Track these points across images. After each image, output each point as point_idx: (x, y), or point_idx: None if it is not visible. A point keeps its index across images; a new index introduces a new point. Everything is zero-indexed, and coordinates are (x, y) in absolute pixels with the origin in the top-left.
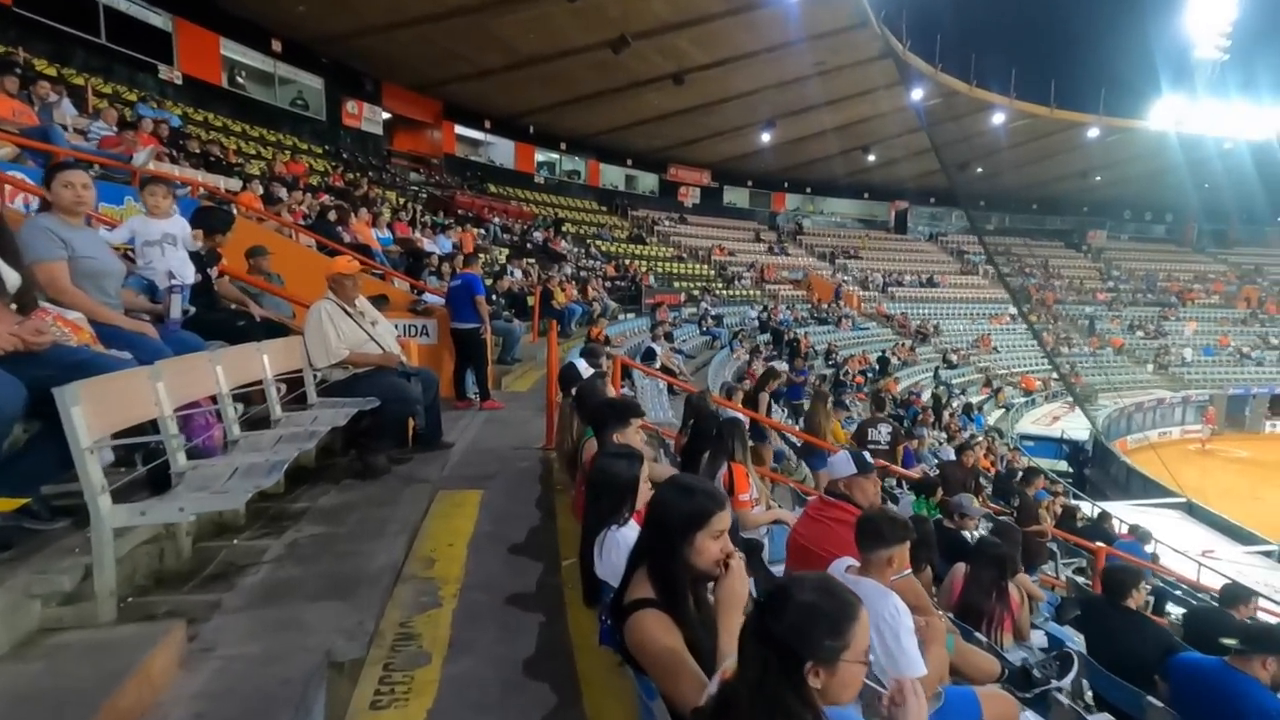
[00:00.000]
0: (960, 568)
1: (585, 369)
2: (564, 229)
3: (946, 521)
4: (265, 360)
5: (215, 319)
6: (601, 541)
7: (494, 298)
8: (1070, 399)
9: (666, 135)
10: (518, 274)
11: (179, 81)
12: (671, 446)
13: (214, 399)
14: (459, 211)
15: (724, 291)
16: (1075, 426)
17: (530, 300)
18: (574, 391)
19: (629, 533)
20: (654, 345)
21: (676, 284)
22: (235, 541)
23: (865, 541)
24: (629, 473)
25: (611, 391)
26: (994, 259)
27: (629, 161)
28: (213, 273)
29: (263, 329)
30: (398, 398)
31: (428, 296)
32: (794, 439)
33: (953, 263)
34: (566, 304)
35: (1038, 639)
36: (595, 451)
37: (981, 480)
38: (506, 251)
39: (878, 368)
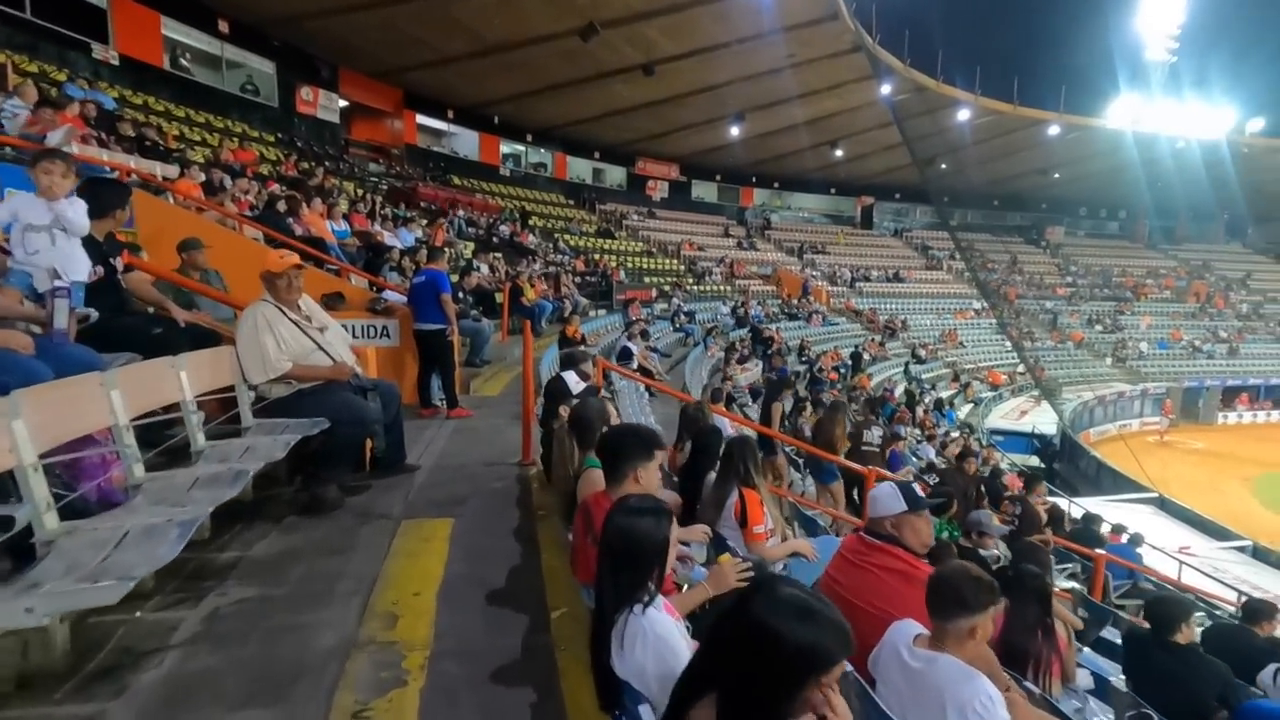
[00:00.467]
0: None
1: (575, 383)
2: (531, 223)
3: (964, 540)
4: (183, 378)
5: (124, 325)
6: (622, 629)
7: (461, 295)
8: (1036, 393)
9: (635, 128)
10: (484, 269)
11: (115, 62)
12: (665, 465)
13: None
14: (421, 204)
15: (695, 287)
16: (1043, 421)
17: (499, 297)
18: (570, 414)
19: (659, 618)
20: (630, 344)
21: (647, 279)
22: (138, 614)
23: (943, 607)
24: (658, 533)
25: (613, 412)
26: (966, 254)
27: (597, 154)
28: (118, 264)
29: (188, 337)
30: (352, 418)
31: (388, 294)
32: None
33: (917, 258)
34: (537, 300)
35: (1082, 678)
36: (601, 492)
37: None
38: (472, 246)
39: (850, 364)
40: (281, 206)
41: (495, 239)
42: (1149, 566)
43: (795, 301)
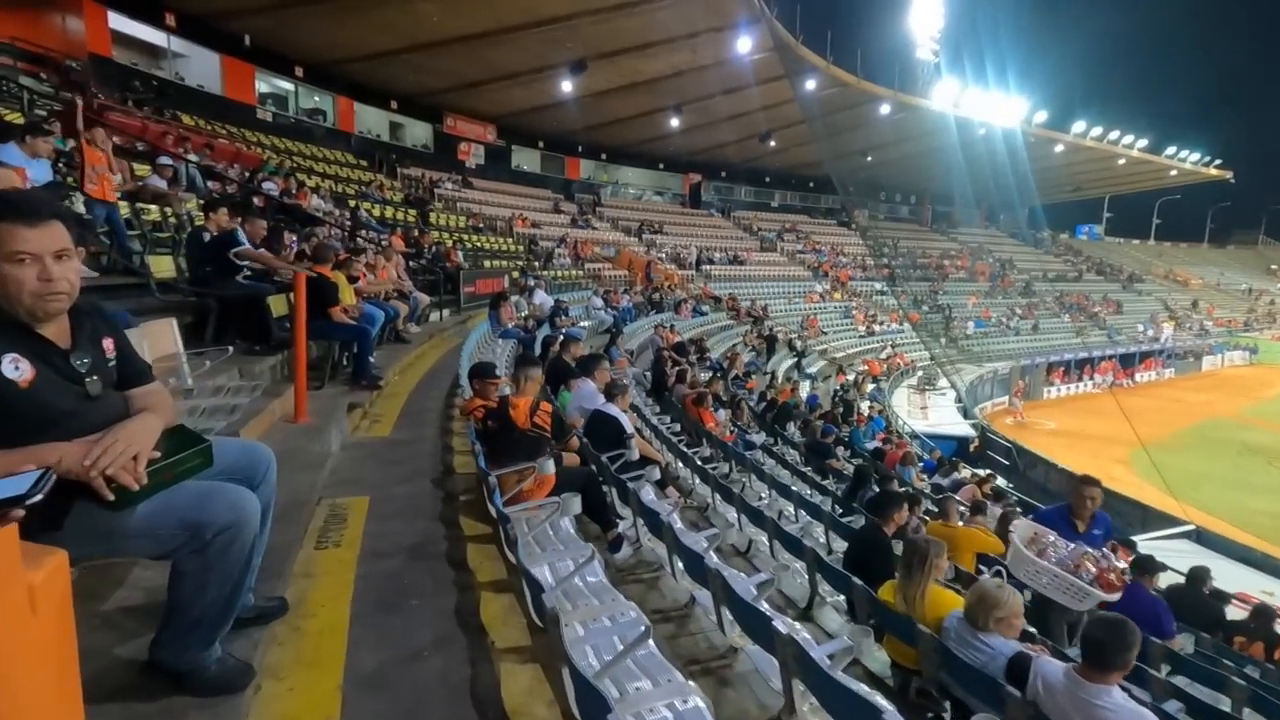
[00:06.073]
0: None
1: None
2: (314, 185)
3: None
4: None
5: None
6: None
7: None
8: (913, 382)
9: (444, 71)
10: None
11: None
12: None
13: None
14: (118, 138)
15: (545, 272)
16: (948, 418)
17: (279, 306)
18: None
19: None
20: (609, 409)
21: (488, 263)
22: None
23: None
24: None
25: None
26: (870, 240)
27: (394, 105)
28: None
29: None
30: None
31: None
32: None
33: (749, 239)
34: (360, 306)
35: None
36: None
37: None
38: (204, 203)
39: (765, 359)
40: None
41: (254, 198)
42: None
43: (657, 290)
